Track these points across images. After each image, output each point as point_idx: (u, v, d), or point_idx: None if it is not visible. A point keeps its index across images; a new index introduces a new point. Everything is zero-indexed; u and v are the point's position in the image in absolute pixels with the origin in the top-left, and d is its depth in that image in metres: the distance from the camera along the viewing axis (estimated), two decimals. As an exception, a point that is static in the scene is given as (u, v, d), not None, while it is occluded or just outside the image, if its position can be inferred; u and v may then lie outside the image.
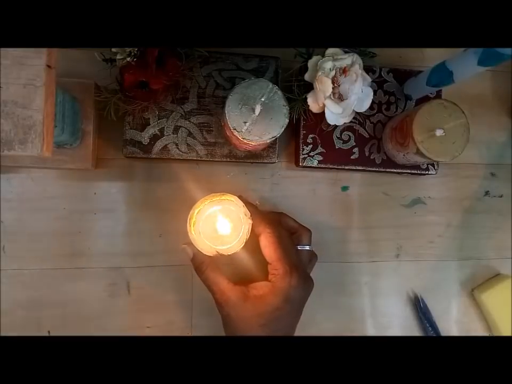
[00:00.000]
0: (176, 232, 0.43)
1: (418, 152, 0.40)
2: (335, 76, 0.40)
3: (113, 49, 0.37)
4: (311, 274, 0.42)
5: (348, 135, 0.46)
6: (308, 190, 0.48)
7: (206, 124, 0.44)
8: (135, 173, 0.45)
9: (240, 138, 0.37)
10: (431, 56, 0.49)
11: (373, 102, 0.44)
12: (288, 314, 0.38)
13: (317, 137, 0.46)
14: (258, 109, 0.36)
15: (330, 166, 0.46)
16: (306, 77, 0.42)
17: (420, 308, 0.48)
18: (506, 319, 0.48)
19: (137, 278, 0.45)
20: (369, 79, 0.42)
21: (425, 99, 0.47)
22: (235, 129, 0.37)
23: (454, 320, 0.49)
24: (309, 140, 0.46)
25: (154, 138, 0.43)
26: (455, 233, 0.50)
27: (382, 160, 0.47)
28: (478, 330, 0.50)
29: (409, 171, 0.47)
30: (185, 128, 0.44)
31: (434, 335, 0.48)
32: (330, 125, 0.42)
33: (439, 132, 0.39)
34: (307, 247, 0.42)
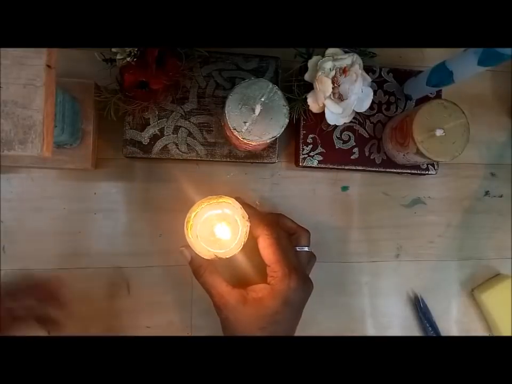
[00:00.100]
0: (176, 232, 0.43)
1: (418, 152, 0.40)
2: (335, 76, 0.40)
3: (113, 49, 0.37)
4: (310, 275, 0.41)
5: (348, 135, 0.46)
6: (308, 190, 0.48)
7: (206, 124, 0.44)
8: (135, 173, 0.45)
9: (240, 138, 0.37)
10: (431, 56, 0.49)
11: (373, 102, 0.44)
12: (288, 317, 0.38)
13: (317, 137, 0.46)
14: (258, 109, 0.36)
15: (330, 166, 0.46)
16: (306, 77, 0.42)
17: (420, 308, 0.48)
18: (506, 319, 0.48)
19: (137, 278, 0.45)
20: (369, 79, 0.42)
21: (425, 99, 0.47)
22: (235, 129, 0.37)
23: (454, 320, 0.49)
24: (309, 140, 0.46)
25: (154, 138, 0.43)
26: (455, 233, 0.50)
27: (382, 160, 0.47)
28: (478, 330, 0.50)
29: (409, 171, 0.47)
30: (185, 128, 0.44)
31: (434, 335, 0.48)
32: (330, 125, 0.42)
33: (439, 132, 0.39)
34: (306, 248, 0.42)
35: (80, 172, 0.44)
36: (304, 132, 0.46)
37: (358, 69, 0.40)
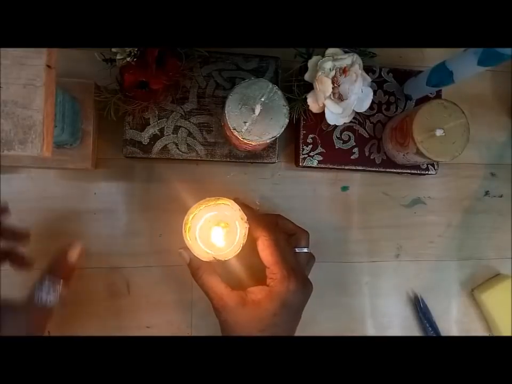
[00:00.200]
0: (176, 232, 0.43)
1: (418, 152, 0.40)
2: (335, 76, 0.40)
3: (113, 49, 0.37)
4: (310, 275, 0.41)
5: (348, 135, 0.46)
6: (308, 190, 0.48)
7: (206, 124, 0.44)
8: (135, 173, 0.45)
9: (240, 138, 0.37)
10: (431, 56, 0.49)
11: (373, 102, 0.44)
12: (287, 319, 0.37)
13: (317, 137, 0.46)
14: (258, 109, 0.36)
15: (330, 166, 0.46)
16: (306, 77, 0.42)
17: (420, 308, 0.48)
18: (506, 319, 0.48)
19: (137, 278, 0.45)
20: (369, 79, 0.42)
21: (425, 99, 0.47)
22: (235, 129, 0.37)
23: (454, 320, 0.49)
24: (309, 140, 0.46)
25: (154, 138, 0.43)
26: (455, 233, 0.50)
27: (382, 160, 0.47)
28: (478, 330, 0.50)
29: (409, 171, 0.47)
30: (185, 128, 0.44)
31: (434, 335, 0.48)
32: (330, 125, 0.42)
33: (439, 132, 0.39)
34: (305, 249, 0.42)
35: (80, 171, 0.44)
36: (304, 131, 0.46)
37: (358, 69, 0.40)
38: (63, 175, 0.44)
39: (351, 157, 0.46)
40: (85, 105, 0.41)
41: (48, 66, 0.29)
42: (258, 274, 0.41)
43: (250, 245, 0.38)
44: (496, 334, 0.49)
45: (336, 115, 0.41)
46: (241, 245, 0.37)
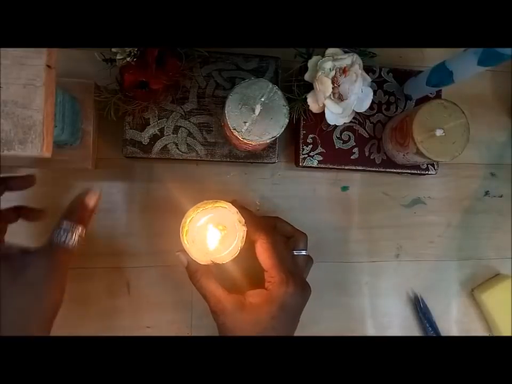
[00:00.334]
0: (176, 232, 0.43)
1: (418, 152, 0.40)
2: (335, 76, 0.40)
3: (113, 49, 0.37)
4: (309, 276, 0.41)
5: (348, 135, 0.46)
6: (308, 190, 0.48)
7: (206, 124, 0.44)
8: (135, 173, 0.45)
9: (240, 138, 0.37)
10: (431, 56, 0.49)
11: (373, 102, 0.44)
12: (285, 323, 0.37)
13: (317, 137, 0.46)
14: (258, 109, 0.36)
15: (330, 166, 0.46)
16: (306, 77, 0.42)
17: (420, 308, 0.48)
18: (506, 319, 0.48)
19: (137, 278, 0.45)
20: (369, 79, 0.42)
21: (425, 99, 0.47)
22: (235, 129, 0.37)
23: (454, 320, 0.49)
24: (309, 140, 0.46)
25: (154, 138, 0.43)
26: (455, 233, 0.50)
27: (382, 160, 0.47)
28: (478, 330, 0.50)
29: (409, 171, 0.47)
30: (185, 128, 0.44)
31: (434, 335, 0.48)
32: (330, 125, 0.42)
33: (439, 132, 0.39)
34: (303, 252, 0.42)
35: (80, 171, 0.44)
36: (304, 132, 0.46)
37: (358, 69, 0.40)
38: (63, 175, 0.44)
39: (351, 157, 0.46)
40: (85, 105, 0.41)
41: (48, 66, 0.29)
42: (256, 278, 0.40)
43: (248, 248, 0.38)
44: (496, 334, 0.49)
45: (336, 115, 0.41)
46: (239, 248, 0.36)
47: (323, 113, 0.41)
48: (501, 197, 0.51)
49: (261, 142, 0.37)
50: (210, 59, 0.44)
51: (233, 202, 0.38)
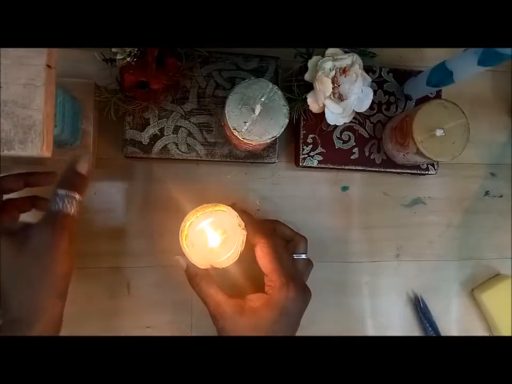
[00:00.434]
0: (176, 232, 0.43)
1: (418, 152, 0.40)
2: (335, 76, 0.40)
3: (113, 49, 0.37)
4: (309, 276, 0.41)
5: (348, 135, 0.46)
6: (308, 190, 0.48)
7: (206, 124, 0.44)
8: (135, 173, 0.45)
9: (240, 138, 0.37)
10: (431, 56, 0.49)
11: (373, 102, 0.44)
12: (286, 327, 0.37)
13: (317, 137, 0.46)
14: (258, 109, 0.36)
15: (330, 166, 0.46)
16: (306, 77, 0.42)
17: (420, 308, 0.48)
18: (506, 319, 0.48)
19: (137, 278, 0.45)
20: (369, 79, 0.42)
21: (425, 99, 0.47)
22: (235, 129, 0.37)
23: (454, 320, 0.49)
24: (309, 140, 0.46)
25: (154, 138, 0.43)
26: (455, 233, 0.50)
27: (382, 160, 0.47)
28: (478, 330, 0.50)
29: (409, 171, 0.47)
30: (185, 128, 0.44)
31: (434, 335, 0.48)
32: (330, 125, 0.42)
33: (439, 132, 0.39)
34: (303, 256, 0.41)
35: (80, 171, 0.44)
36: (304, 132, 0.46)
37: (358, 69, 0.40)
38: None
39: (351, 157, 0.46)
40: (85, 105, 0.41)
41: (48, 66, 0.29)
42: (256, 281, 0.40)
43: (247, 252, 0.38)
44: (496, 334, 0.49)
45: (336, 115, 0.41)
46: (239, 252, 0.36)
47: (323, 113, 0.41)
48: (501, 197, 0.51)
49: (261, 142, 0.37)
50: (210, 59, 0.44)
51: (233, 206, 0.38)
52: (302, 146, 0.46)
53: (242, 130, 0.37)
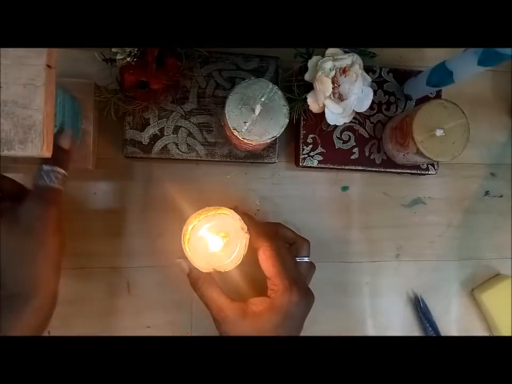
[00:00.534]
0: (176, 232, 0.43)
1: (418, 152, 0.40)
2: (335, 76, 0.40)
3: (113, 49, 0.37)
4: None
5: (348, 135, 0.46)
6: (308, 190, 0.48)
7: (206, 124, 0.44)
8: (135, 173, 0.45)
9: (240, 138, 0.37)
10: (431, 56, 0.49)
11: (373, 102, 0.44)
12: (289, 331, 0.37)
13: (317, 137, 0.46)
14: (258, 109, 0.36)
15: (330, 166, 0.46)
16: (306, 77, 0.42)
17: (420, 308, 0.48)
18: (506, 319, 0.48)
19: (137, 278, 0.45)
20: (369, 79, 0.42)
21: (425, 99, 0.47)
22: (235, 129, 0.37)
23: (454, 320, 0.49)
24: (309, 140, 0.46)
25: (154, 138, 0.43)
26: (455, 233, 0.50)
27: (382, 160, 0.47)
28: (478, 330, 0.50)
29: (409, 171, 0.47)
30: (185, 128, 0.44)
31: (434, 335, 0.48)
32: (330, 125, 0.42)
33: (439, 132, 0.39)
34: (306, 259, 0.41)
35: (80, 171, 0.44)
36: (304, 131, 0.46)
37: (358, 69, 0.40)
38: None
39: (351, 157, 0.46)
40: (85, 105, 0.41)
41: (48, 66, 0.29)
42: (258, 285, 0.40)
43: (250, 255, 0.38)
44: (496, 334, 0.49)
45: (336, 115, 0.41)
46: (242, 256, 0.36)
47: (323, 113, 0.41)
48: (501, 197, 0.51)
49: (261, 142, 0.37)
50: (210, 59, 0.44)
51: (235, 209, 0.38)
52: (302, 146, 0.46)
53: (242, 130, 0.37)
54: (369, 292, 0.48)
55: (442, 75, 0.40)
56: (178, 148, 0.44)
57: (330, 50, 0.40)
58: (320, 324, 0.47)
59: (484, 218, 0.51)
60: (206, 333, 0.45)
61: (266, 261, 0.37)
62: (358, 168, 0.47)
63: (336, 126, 0.46)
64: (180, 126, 0.44)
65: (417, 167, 0.47)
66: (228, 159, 0.44)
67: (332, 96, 0.40)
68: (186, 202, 0.44)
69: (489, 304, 0.48)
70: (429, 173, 0.47)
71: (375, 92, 0.46)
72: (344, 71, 0.40)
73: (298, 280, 0.38)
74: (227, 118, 0.36)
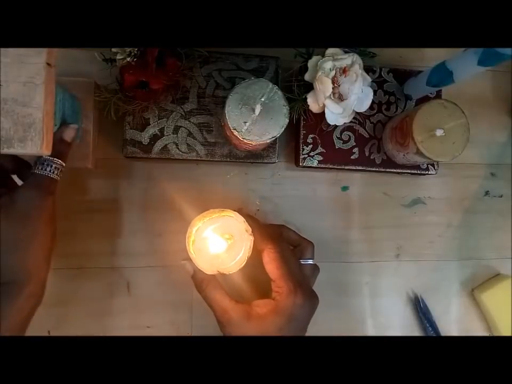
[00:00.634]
0: (176, 232, 0.43)
1: (418, 152, 0.40)
2: (335, 76, 0.40)
3: (113, 49, 0.37)
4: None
5: (348, 135, 0.46)
6: (308, 190, 0.48)
7: (206, 124, 0.44)
8: (135, 173, 0.45)
9: (240, 138, 0.37)
10: (431, 56, 0.49)
11: (373, 102, 0.44)
12: (293, 333, 0.36)
13: (317, 137, 0.46)
14: (258, 109, 0.36)
15: (330, 166, 0.46)
16: (306, 77, 0.42)
17: (420, 308, 0.48)
18: (506, 319, 0.48)
19: (137, 278, 0.45)
20: (369, 79, 0.42)
21: (425, 99, 0.47)
22: (235, 129, 0.37)
23: (454, 320, 0.49)
24: (309, 140, 0.46)
25: (154, 138, 0.43)
26: (455, 233, 0.50)
27: (382, 160, 0.47)
28: (478, 330, 0.50)
29: (409, 171, 0.47)
30: (185, 128, 0.44)
31: (434, 335, 0.48)
32: (330, 125, 0.42)
33: (439, 132, 0.39)
34: (310, 261, 0.41)
35: (80, 171, 0.44)
36: (304, 132, 0.46)
37: (358, 69, 0.40)
38: (62, 175, 0.44)
39: (351, 157, 0.46)
40: (85, 104, 0.41)
41: (48, 64, 0.29)
42: (262, 287, 0.40)
43: (254, 257, 0.37)
44: (496, 334, 0.49)
45: (336, 115, 0.41)
46: (246, 258, 0.36)
47: (323, 113, 0.41)
48: (501, 197, 0.51)
49: (261, 142, 0.37)
50: (210, 59, 0.44)
51: (239, 211, 0.38)
52: (302, 146, 0.46)
53: (242, 130, 0.37)
54: (369, 292, 0.48)
55: (442, 75, 0.40)
56: (178, 148, 0.43)
57: (330, 50, 0.41)
58: (320, 323, 0.47)
59: (484, 218, 0.51)
60: (206, 333, 0.45)
61: (270, 263, 0.37)
62: (358, 168, 0.47)
63: (336, 126, 0.46)
64: (180, 126, 0.44)
65: (417, 167, 0.47)
66: (228, 159, 0.44)
67: (331, 96, 0.40)
68: (186, 202, 0.44)
69: (489, 304, 0.48)
70: (429, 173, 0.47)
71: (375, 92, 0.46)
72: (344, 71, 0.40)
73: (303, 282, 0.38)
74: (227, 118, 0.36)
